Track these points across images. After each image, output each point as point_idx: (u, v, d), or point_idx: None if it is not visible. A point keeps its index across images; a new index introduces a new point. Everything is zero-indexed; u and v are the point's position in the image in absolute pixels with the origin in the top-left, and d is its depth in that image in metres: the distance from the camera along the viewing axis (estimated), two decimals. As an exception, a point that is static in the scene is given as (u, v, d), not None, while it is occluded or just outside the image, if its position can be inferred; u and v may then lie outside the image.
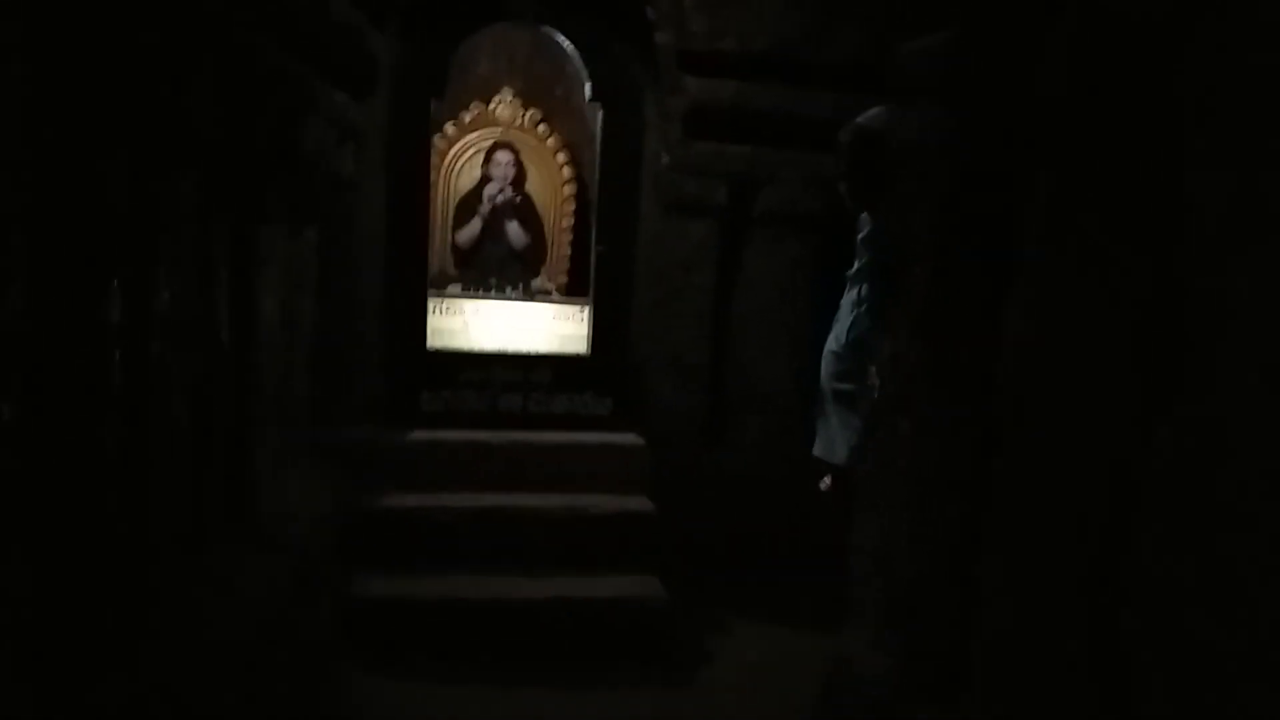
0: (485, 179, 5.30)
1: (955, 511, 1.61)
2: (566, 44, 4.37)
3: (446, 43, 4.04)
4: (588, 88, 4.18)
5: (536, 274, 5.40)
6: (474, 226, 5.28)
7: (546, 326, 4.39)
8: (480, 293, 4.95)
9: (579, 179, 5.40)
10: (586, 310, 4.38)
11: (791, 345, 4.31)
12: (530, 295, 5.02)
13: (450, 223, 5.37)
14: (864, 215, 2.75)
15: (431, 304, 4.22)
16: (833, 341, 2.91)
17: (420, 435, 3.84)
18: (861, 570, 1.85)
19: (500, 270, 5.30)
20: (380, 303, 3.90)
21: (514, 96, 5.34)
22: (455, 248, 5.36)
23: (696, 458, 4.25)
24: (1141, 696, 1.15)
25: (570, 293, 5.28)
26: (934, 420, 1.67)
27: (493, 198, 5.23)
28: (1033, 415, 1.36)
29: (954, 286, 1.66)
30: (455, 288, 5.12)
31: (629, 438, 4.02)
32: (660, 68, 3.99)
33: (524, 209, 5.32)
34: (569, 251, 5.44)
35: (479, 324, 4.31)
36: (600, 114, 4.13)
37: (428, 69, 3.94)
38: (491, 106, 5.34)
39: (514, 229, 5.28)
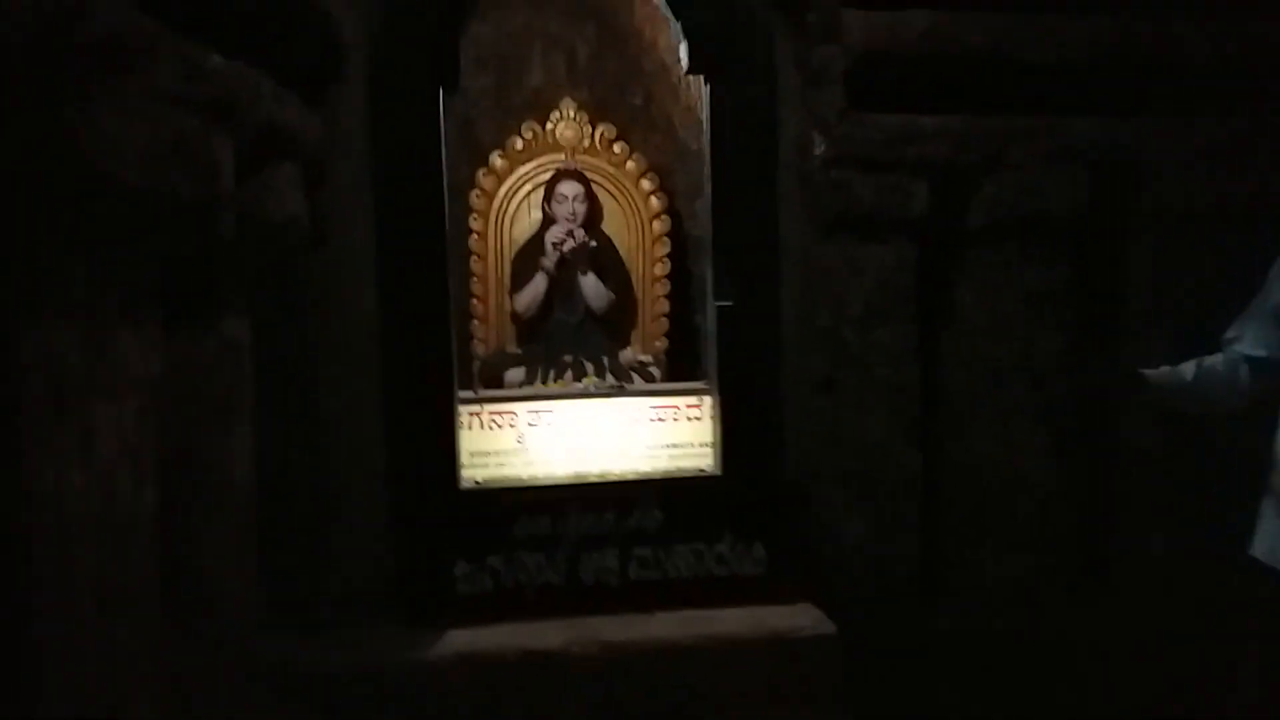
0: (548, 221, 3.89)
1: None
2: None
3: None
4: (683, 52, 2.63)
5: (625, 343, 3.92)
6: (537, 285, 3.87)
7: (647, 432, 2.79)
8: (541, 385, 3.44)
9: (673, 211, 4.01)
10: (708, 401, 2.77)
11: (1049, 431, 2.62)
12: (619, 381, 3.47)
13: (507, 284, 3.95)
14: None
15: (465, 415, 2.68)
16: None
17: (453, 643, 2.28)
18: None
19: (576, 342, 3.83)
20: (378, 423, 2.39)
21: (578, 110, 4.02)
22: (515, 318, 3.93)
23: (907, 626, 2.58)
24: None
25: (674, 373, 3.75)
26: None
27: (559, 244, 3.81)
28: None
29: None
30: (517, 373, 3.65)
31: (803, 617, 2.38)
32: (801, 1, 2.42)
33: (602, 257, 3.85)
34: (666, 309, 3.99)
35: (542, 437, 2.75)
36: (706, 90, 2.58)
37: (429, 44, 2.45)
38: (550, 126, 4.01)
39: (590, 284, 3.83)
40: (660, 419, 2.78)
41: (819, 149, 2.46)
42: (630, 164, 4.02)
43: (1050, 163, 2.53)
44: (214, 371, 1.97)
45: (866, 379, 2.55)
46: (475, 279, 3.99)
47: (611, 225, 4.01)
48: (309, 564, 2.33)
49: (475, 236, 4.00)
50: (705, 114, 2.59)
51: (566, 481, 2.64)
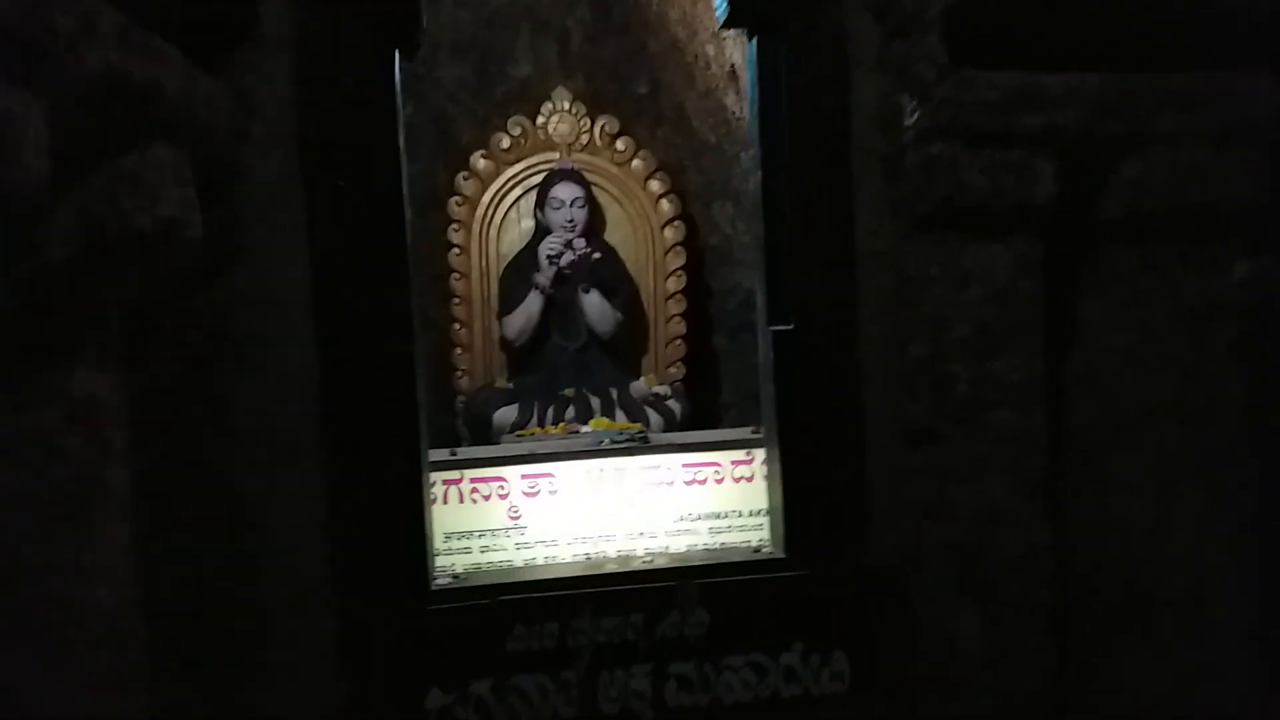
0: (542, 231, 3.31)
1: None
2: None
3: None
4: (720, 5, 1.99)
5: (636, 372, 3.34)
6: (530, 306, 3.30)
7: (681, 498, 2.14)
8: (538, 428, 2.81)
9: (686, 216, 3.50)
10: (761, 456, 2.12)
11: (1217, 489, 1.98)
12: (633, 420, 2.84)
13: (494, 306, 3.36)
14: None
15: (440, 484, 2.02)
16: None
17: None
18: None
19: (578, 373, 3.26)
20: (319, 507, 1.74)
21: (573, 101, 3.46)
22: (506, 345, 3.34)
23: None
24: None
25: (695, 406, 3.15)
26: None
27: (555, 257, 3.24)
28: None
29: None
30: (508, 414, 3.06)
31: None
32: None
33: (606, 270, 3.30)
34: (682, 330, 3.51)
35: (542, 509, 2.09)
36: (751, 49, 1.94)
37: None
38: (541, 120, 3.44)
39: (594, 303, 3.27)
40: (698, 480, 2.13)
41: (910, 118, 1.82)
42: (636, 162, 3.46)
43: (1217, 136, 1.90)
44: (55, 451, 1.32)
45: (978, 426, 1.90)
46: (457, 301, 3.38)
47: (616, 234, 3.44)
48: (224, 706, 1.66)
49: (456, 251, 3.39)
50: (750, 80, 1.95)
51: (576, 571, 1.98)
